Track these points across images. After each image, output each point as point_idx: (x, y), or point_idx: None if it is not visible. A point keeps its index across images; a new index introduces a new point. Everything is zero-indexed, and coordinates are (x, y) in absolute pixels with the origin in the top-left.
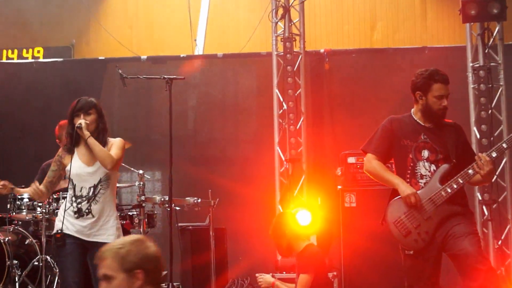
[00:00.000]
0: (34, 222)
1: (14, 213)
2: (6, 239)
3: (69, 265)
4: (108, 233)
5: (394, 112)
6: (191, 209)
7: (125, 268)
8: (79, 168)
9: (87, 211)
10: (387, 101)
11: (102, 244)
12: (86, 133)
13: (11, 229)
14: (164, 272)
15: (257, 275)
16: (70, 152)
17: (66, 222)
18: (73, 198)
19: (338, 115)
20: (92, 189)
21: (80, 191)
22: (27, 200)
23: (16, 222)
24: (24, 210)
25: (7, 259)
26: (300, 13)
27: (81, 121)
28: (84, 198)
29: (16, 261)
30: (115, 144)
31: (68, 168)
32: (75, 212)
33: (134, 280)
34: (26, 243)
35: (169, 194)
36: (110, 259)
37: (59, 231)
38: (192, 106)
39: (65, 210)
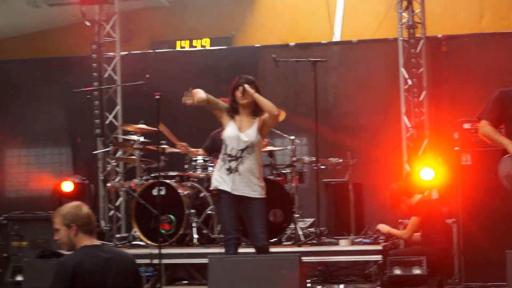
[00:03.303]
0: (207, 179)
1: (191, 172)
2: (185, 192)
3: (226, 215)
4: (253, 189)
5: (503, 86)
6: (333, 167)
7: (65, 223)
8: (233, 132)
9: (235, 169)
10: (496, 77)
11: (248, 198)
12: (251, 91)
13: (189, 185)
14: (312, 219)
15: (378, 227)
16: (231, 117)
17: (220, 179)
18: (225, 156)
19: (454, 88)
20: (240, 151)
21: (231, 151)
22: (201, 161)
23: (192, 179)
24: (199, 169)
25: (186, 209)
26: (421, 5)
27: (245, 85)
28: (233, 158)
29: (193, 211)
30: None
31: (225, 131)
32: (227, 169)
33: (71, 230)
34: (200, 196)
35: (316, 155)
36: (57, 218)
37: (215, 188)
38: (332, 84)
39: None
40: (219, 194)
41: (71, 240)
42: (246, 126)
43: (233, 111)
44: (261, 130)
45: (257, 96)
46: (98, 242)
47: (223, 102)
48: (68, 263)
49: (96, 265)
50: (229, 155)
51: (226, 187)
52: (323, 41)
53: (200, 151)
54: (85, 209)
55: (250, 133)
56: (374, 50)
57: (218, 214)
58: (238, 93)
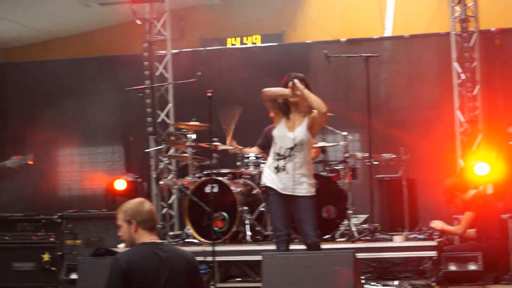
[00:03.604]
0: (259, 176)
1: (243, 169)
2: (238, 189)
3: (275, 212)
4: (301, 187)
5: None
6: (386, 163)
7: (125, 219)
8: (282, 131)
9: (283, 168)
10: None
11: (296, 196)
12: (301, 86)
13: (241, 182)
14: (366, 215)
15: (431, 224)
16: (284, 115)
17: (269, 176)
18: (275, 155)
19: (508, 82)
20: (288, 150)
21: (279, 149)
22: (254, 158)
23: (245, 176)
24: (251, 166)
25: (238, 206)
26: None
27: (295, 80)
28: (281, 156)
29: (246, 208)
30: None
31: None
32: (275, 168)
33: (131, 226)
34: (253, 193)
35: (369, 151)
36: (119, 214)
37: (263, 185)
38: (383, 79)
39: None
40: (267, 191)
41: (131, 237)
42: (296, 124)
43: (286, 109)
44: (311, 128)
45: (306, 92)
46: (157, 240)
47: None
48: (122, 259)
49: (150, 263)
50: (278, 154)
51: (274, 185)
52: (374, 36)
53: (254, 149)
54: (147, 205)
55: (299, 132)
56: (426, 45)
57: (268, 211)
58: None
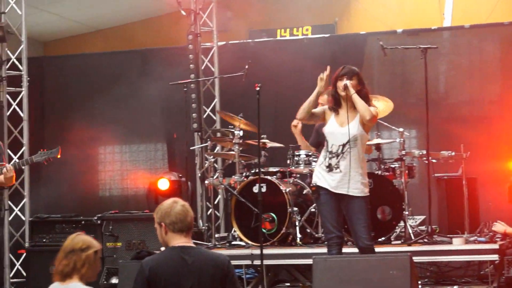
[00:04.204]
0: (310, 175)
1: (293, 167)
2: (287, 189)
3: (326, 213)
4: (354, 186)
5: None
6: (445, 161)
7: (157, 221)
8: (333, 127)
9: (335, 166)
10: None
11: (349, 196)
12: (352, 90)
13: (291, 181)
14: (423, 217)
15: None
16: (333, 111)
17: (319, 175)
18: (327, 154)
19: None
20: (341, 147)
21: (331, 147)
22: (304, 156)
23: (295, 175)
24: (302, 165)
25: (288, 207)
26: None
27: (348, 81)
28: (333, 154)
29: (296, 208)
30: (372, 108)
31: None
32: (326, 167)
33: (162, 229)
34: (303, 193)
35: (427, 148)
36: (154, 215)
37: (314, 185)
38: (442, 72)
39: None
40: (318, 190)
41: (164, 239)
42: (348, 119)
43: (336, 103)
44: (364, 124)
45: (355, 97)
46: (187, 243)
47: (320, 109)
48: (145, 265)
49: (175, 268)
50: (330, 152)
51: (325, 185)
52: (432, 27)
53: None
54: (178, 206)
55: (352, 127)
56: (488, 35)
57: (318, 211)
58: (340, 84)
